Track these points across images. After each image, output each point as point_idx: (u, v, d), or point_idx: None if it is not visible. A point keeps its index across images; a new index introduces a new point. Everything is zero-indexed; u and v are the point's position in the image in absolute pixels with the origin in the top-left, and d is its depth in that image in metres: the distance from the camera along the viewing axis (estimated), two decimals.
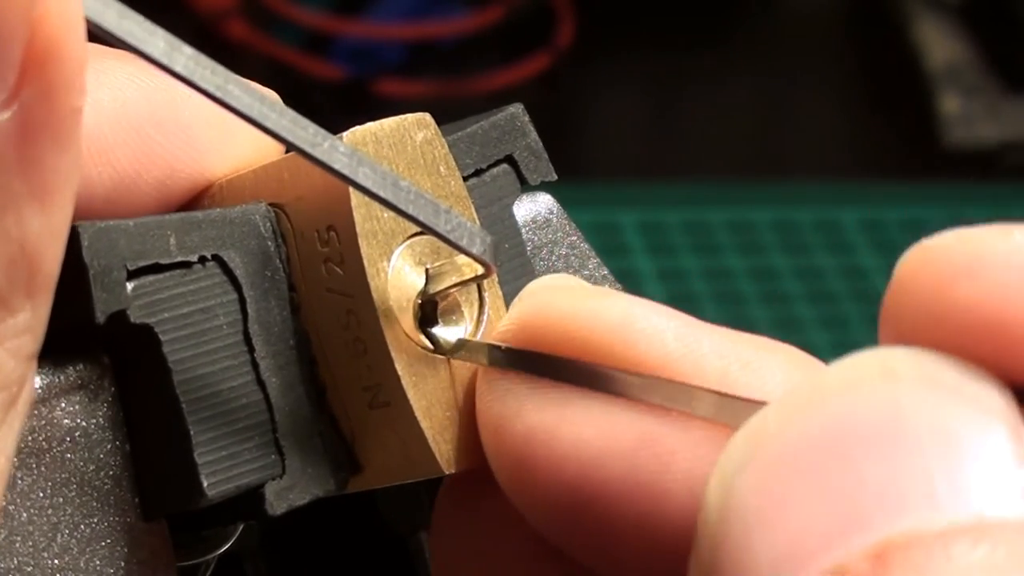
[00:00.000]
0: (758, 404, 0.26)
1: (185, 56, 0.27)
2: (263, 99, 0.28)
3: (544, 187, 0.35)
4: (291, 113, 0.28)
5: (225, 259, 0.30)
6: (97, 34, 0.26)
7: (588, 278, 0.36)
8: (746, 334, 0.30)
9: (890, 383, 0.25)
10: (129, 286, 0.28)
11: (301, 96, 0.97)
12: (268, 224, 0.30)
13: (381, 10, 1.07)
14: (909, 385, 0.25)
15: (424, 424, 0.30)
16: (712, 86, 1.16)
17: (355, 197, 0.30)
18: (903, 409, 0.24)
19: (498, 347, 0.30)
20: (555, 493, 0.29)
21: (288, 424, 0.30)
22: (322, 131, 0.28)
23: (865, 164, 1.14)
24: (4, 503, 0.27)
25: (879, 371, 0.25)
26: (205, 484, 0.28)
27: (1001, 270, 0.25)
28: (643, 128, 1.16)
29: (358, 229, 0.30)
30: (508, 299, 0.33)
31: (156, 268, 0.29)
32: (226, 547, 0.32)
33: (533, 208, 0.35)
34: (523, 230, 0.34)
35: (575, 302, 0.30)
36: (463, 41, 1.07)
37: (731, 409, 0.27)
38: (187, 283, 0.29)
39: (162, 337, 0.29)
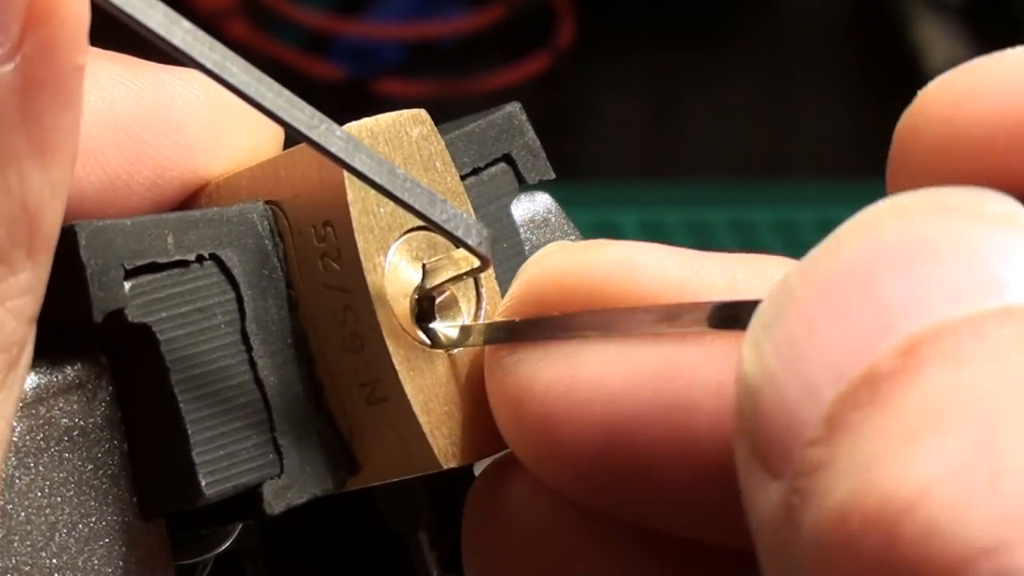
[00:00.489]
0: None
1: (183, 30, 0.27)
2: (261, 78, 0.28)
3: (544, 187, 0.35)
4: (288, 93, 0.28)
5: (223, 258, 0.30)
6: (97, 2, 0.26)
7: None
8: (744, 254, 0.30)
9: (904, 217, 0.24)
10: (127, 285, 0.28)
11: (301, 96, 0.97)
12: (265, 223, 0.30)
13: (381, 10, 1.07)
14: (924, 214, 0.24)
15: (422, 419, 0.30)
16: (712, 86, 1.16)
17: (351, 192, 0.30)
18: (921, 231, 0.24)
19: (502, 324, 0.30)
20: (584, 445, 0.28)
21: (286, 423, 0.30)
22: (319, 114, 0.28)
23: (865, 164, 1.14)
24: (2, 487, 0.27)
25: (891, 211, 0.25)
26: (203, 484, 0.28)
27: (1004, 82, 0.26)
28: (643, 128, 1.16)
29: (354, 224, 0.30)
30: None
31: (154, 267, 0.29)
32: (224, 546, 0.32)
33: (532, 207, 0.35)
34: (521, 229, 0.34)
35: (572, 257, 0.30)
36: (463, 41, 1.07)
37: (746, 314, 0.26)
38: (185, 282, 0.29)
39: (160, 336, 0.29)
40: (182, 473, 0.29)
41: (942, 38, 1.19)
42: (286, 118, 0.28)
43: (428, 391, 0.30)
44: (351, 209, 0.30)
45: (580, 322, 0.29)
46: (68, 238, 0.28)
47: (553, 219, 0.35)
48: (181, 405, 0.29)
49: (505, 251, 0.33)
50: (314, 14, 1.04)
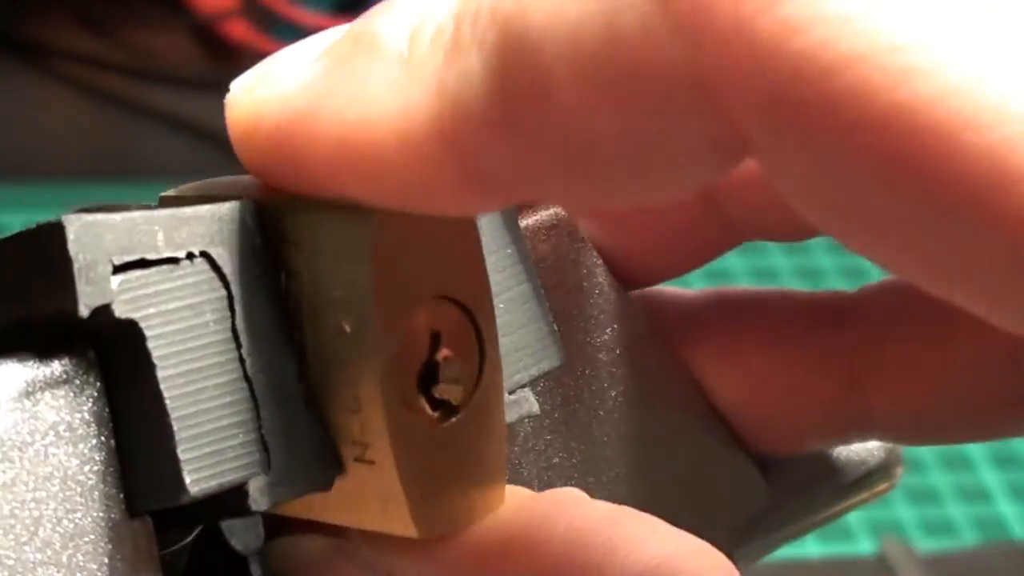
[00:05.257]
0: None
1: None
2: None
3: None
4: None
5: (213, 256, 0.29)
6: None
7: (594, 287, 0.36)
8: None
9: None
10: (115, 281, 0.28)
11: None
12: (259, 222, 0.30)
13: None
14: None
15: (408, 492, 0.30)
16: None
17: (376, 255, 0.29)
18: None
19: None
20: None
21: (274, 421, 0.30)
22: None
23: None
24: None
25: None
26: (188, 481, 0.28)
27: None
28: None
29: (374, 287, 0.29)
30: (508, 305, 0.32)
31: (143, 263, 0.29)
32: (198, 529, 0.32)
33: (535, 213, 0.35)
34: (524, 232, 0.34)
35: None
36: None
37: None
38: (174, 279, 0.29)
39: (147, 332, 0.29)
40: (167, 470, 0.28)
41: None
42: None
43: (418, 463, 0.30)
44: (372, 270, 0.29)
45: None
46: (56, 232, 0.28)
47: (561, 225, 0.35)
48: (167, 402, 0.29)
49: (509, 257, 0.33)
50: (314, 14, 1.04)
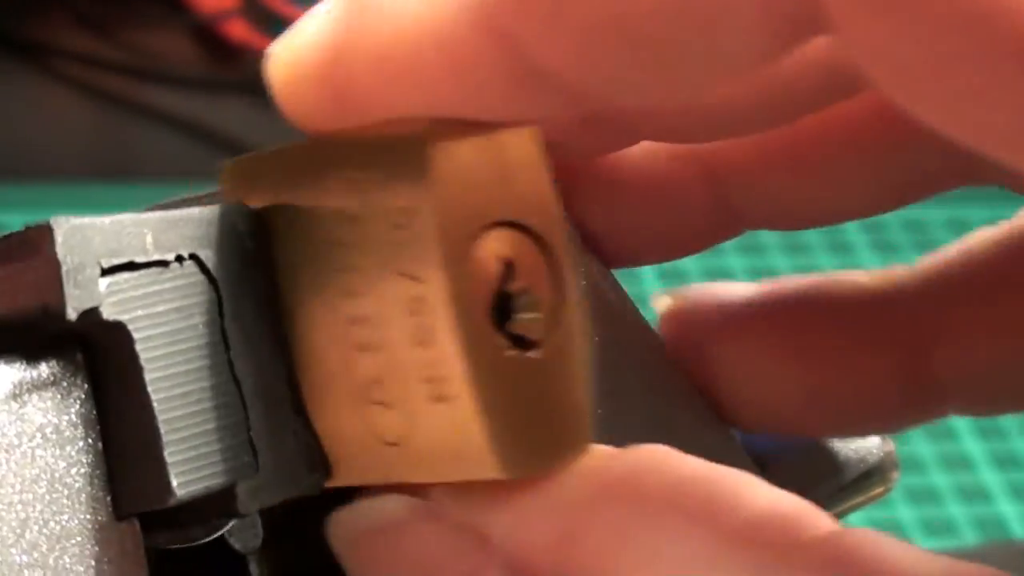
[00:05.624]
0: None
1: None
2: None
3: None
4: None
5: (203, 258, 0.30)
6: None
7: (594, 285, 0.36)
8: None
9: None
10: (103, 283, 0.28)
11: None
12: (249, 224, 0.30)
13: None
14: None
15: (488, 425, 0.28)
16: None
17: (438, 176, 0.28)
18: None
19: None
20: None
21: (263, 424, 0.30)
22: None
23: None
24: None
25: None
26: (174, 484, 0.28)
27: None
28: None
29: (437, 212, 0.28)
30: None
31: (131, 266, 0.29)
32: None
33: None
34: None
35: None
36: None
37: None
38: (163, 281, 0.29)
39: (135, 335, 0.29)
40: (154, 473, 0.29)
41: None
42: None
43: (498, 395, 0.28)
44: (434, 195, 0.28)
45: None
46: (44, 235, 0.28)
47: None
48: (155, 404, 0.29)
49: None
50: None
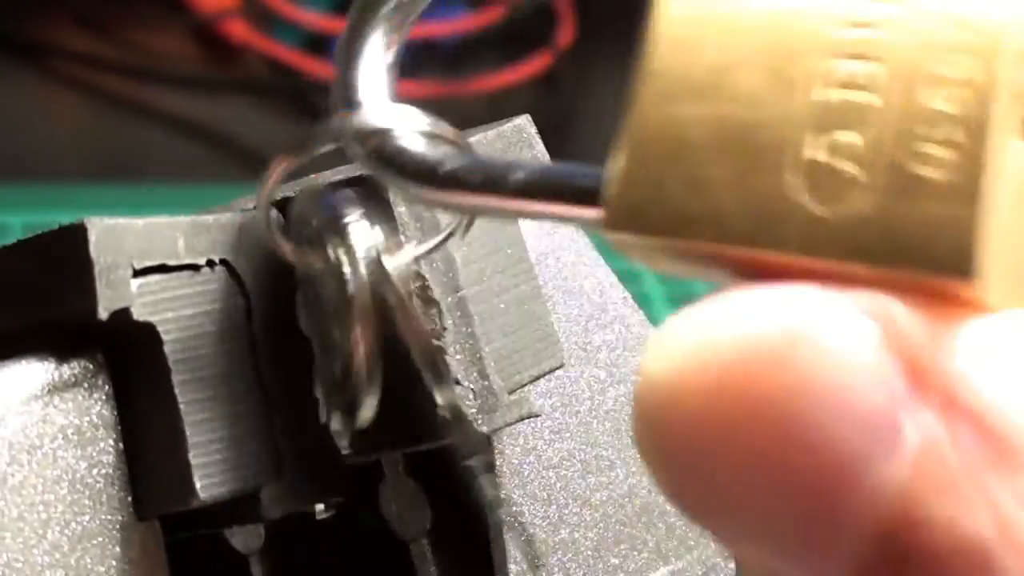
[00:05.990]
0: None
1: None
2: None
3: None
4: None
5: (233, 264, 0.30)
6: None
7: (596, 286, 0.36)
8: None
9: None
10: (134, 284, 0.28)
11: (301, 96, 0.97)
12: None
13: None
14: None
15: (986, 220, 0.22)
16: None
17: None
18: None
19: None
20: None
21: (288, 432, 0.30)
22: None
23: None
24: None
25: None
26: (198, 486, 0.29)
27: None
28: None
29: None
30: (508, 305, 0.32)
31: (163, 268, 0.29)
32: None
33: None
34: (527, 237, 0.34)
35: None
36: (463, 41, 1.07)
37: None
38: (193, 284, 0.29)
39: (164, 336, 0.29)
40: (178, 474, 0.29)
41: None
42: None
43: (997, 199, 0.23)
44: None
45: None
46: (78, 234, 0.28)
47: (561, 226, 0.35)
48: (181, 406, 0.29)
49: (508, 257, 0.33)
50: (314, 14, 1.04)
